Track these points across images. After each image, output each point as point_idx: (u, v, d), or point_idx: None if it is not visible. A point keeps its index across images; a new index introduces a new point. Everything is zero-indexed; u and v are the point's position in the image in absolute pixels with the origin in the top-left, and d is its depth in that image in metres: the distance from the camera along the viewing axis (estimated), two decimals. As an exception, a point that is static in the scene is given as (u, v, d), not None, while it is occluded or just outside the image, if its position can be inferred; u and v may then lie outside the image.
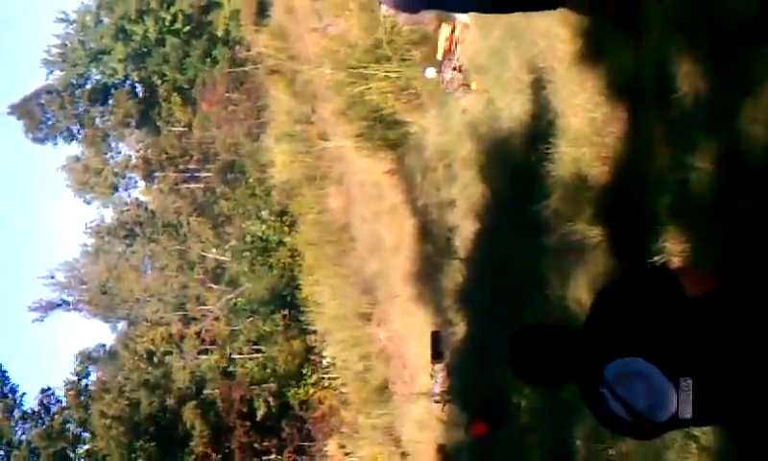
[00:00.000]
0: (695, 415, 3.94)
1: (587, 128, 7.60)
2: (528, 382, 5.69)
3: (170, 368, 40.53)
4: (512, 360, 4.35)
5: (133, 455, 33.10)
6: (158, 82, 52.98)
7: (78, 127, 58.84)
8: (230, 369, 33.91)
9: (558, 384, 4.44)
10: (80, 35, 57.52)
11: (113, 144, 58.96)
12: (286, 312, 30.87)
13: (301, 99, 20.69)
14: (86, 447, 39.21)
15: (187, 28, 50.75)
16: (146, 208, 58.34)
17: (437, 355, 13.62)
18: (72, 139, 59.86)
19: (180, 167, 52.31)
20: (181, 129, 51.33)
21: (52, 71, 58.83)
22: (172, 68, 51.36)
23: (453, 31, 11.68)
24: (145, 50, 53.23)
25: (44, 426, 42.57)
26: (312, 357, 27.68)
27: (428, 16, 12.13)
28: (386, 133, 14.36)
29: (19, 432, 44.66)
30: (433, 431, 14.11)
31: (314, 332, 24.25)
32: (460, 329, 12.45)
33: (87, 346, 57.19)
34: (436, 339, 13.54)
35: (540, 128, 8.67)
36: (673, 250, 6.22)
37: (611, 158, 7.30)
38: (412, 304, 14.83)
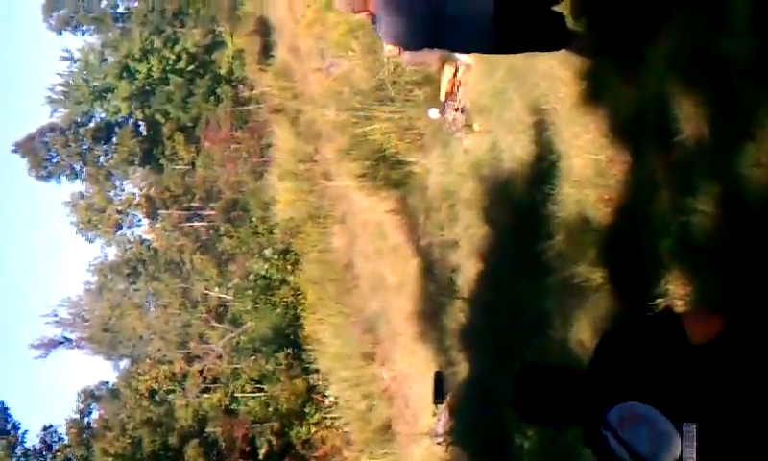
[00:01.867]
0: (699, 460, 3.94)
1: (589, 170, 7.62)
2: (530, 422, 5.69)
3: (172, 406, 40.37)
4: (514, 400, 4.36)
5: (136, 493, 33.00)
6: (162, 120, 53.14)
7: (81, 165, 58.97)
8: (233, 407, 33.76)
9: (560, 425, 4.44)
10: (83, 73, 57.78)
11: (117, 182, 59.10)
12: (289, 351, 30.77)
13: (305, 138, 20.75)
14: (88, 485, 39.07)
15: (191, 67, 50.97)
16: (149, 247, 58.35)
17: (439, 396, 13.57)
18: (75, 177, 60.03)
19: (184, 205, 52.40)
20: (185, 167, 51.43)
21: (56, 109, 59.15)
22: (175, 107, 51.53)
23: (456, 72, 11.72)
24: (149, 89, 53.44)
25: (46, 465, 42.48)
26: (315, 396, 27.59)
27: (431, 57, 12.18)
28: (389, 172, 14.39)
29: (21, 470, 44.60)
30: (436, 472, 14.07)
31: (316, 371, 24.17)
32: (462, 369, 12.43)
33: (90, 384, 57.08)
34: (438, 379, 13.49)
35: (543, 169, 8.69)
36: (676, 293, 6.22)
37: (613, 201, 7.32)
38: (415, 344, 14.81)
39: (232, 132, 41.71)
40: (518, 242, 9.52)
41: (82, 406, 49.97)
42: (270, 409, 30.51)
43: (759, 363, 3.93)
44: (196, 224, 52.11)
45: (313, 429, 27.29)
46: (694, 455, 3.90)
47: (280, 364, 31.12)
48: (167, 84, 52.04)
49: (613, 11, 6.95)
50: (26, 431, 46.71)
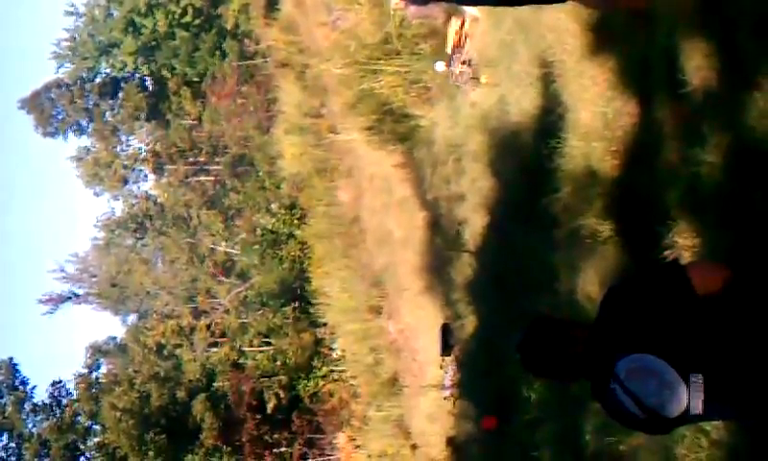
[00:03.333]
0: (706, 410, 3.95)
1: (597, 122, 7.60)
2: (538, 376, 5.70)
3: (180, 361, 40.62)
4: (522, 354, 4.36)
5: (144, 448, 33.10)
6: (168, 75, 52.98)
7: (87, 121, 58.87)
8: (240, 361, 33.91)
9: (568, 378, 4.44)
10: (89, 28, 57.51)
11: (123, 138, 58.98)
12: (296, 305, 30.90)
13: (311, 92, 20.71)
14: (97, 439, 39.19)
15: (197, 21, 50.74)
16: (155, 202, 58.35)
17: (446, 348, 13.63)
18: (82, 133, 59.93)
19: (190, 160, 52.35)
20: (191, 122, 51.34)
21: (62, 65, 58.89)
22: (182, 61, 51.37)
23: (463, 24, 11.67)
24: (155, 43, 53.22)
25: (55, 419, 42.63)
26: (322, 350, 27.73)
27: (437, 10, 12.12)
28: (395, 126, 14.36)
29: (30, 425, 44.79)
30: (443, 424, 14.14)
31: (324, 325, 24.27)
32: (469, 322, 12.46)
33: (98, 339, 57.28)
34: (445, 332, 13.55)
35: (551, 122, 8.67)
36: (683, 244, 6.22)
37: (621, 153, 7.30)
38: (421, 297, 14.85)
39: (238, 86, 41.64)
40: (526, 195, 9.52)
41: (90, 361, 50.16)
42: (277, 363, 30.67)
43: (765, 314, 3.93)
44: (202, 179, 52.10)
45: (320, 383, 27.45)
46: (701, 406, 3.91)
47: (287, 318, 31.26)
48: (173, 39, 51.84)
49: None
50: (35, 387, 46.84)
